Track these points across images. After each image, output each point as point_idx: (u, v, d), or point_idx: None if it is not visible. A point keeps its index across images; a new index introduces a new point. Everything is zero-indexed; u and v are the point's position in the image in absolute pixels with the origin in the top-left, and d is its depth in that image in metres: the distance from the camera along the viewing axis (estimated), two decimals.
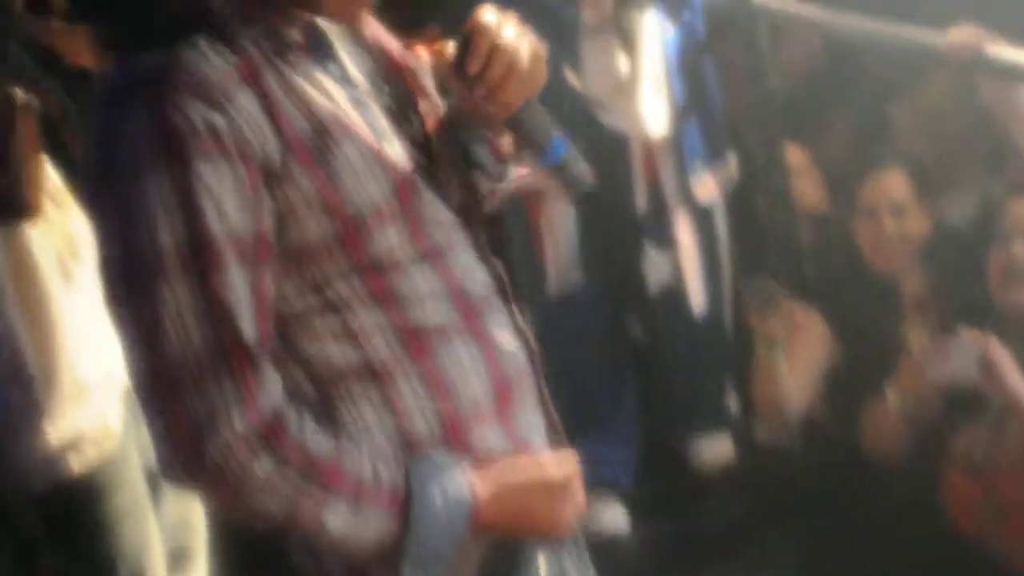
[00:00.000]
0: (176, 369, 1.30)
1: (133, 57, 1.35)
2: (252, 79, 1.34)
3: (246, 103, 1.33)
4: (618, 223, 3.16)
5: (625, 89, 3.08)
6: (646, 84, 3.10)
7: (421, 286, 1.41)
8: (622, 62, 3.09)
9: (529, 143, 1.51)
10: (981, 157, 3.47)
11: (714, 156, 3.21)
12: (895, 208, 3.21)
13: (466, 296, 1.45)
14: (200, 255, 1.30)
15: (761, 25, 3.37)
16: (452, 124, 1.53)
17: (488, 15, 1.46)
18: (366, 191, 1.38)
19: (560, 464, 1.46)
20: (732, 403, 3.36)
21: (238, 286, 1.32)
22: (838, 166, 3.57)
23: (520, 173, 1.60)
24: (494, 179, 1.57)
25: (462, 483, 1.37)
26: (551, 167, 1.51)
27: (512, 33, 1.47)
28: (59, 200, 2.47)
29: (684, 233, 3.16)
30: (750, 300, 3.21)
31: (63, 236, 2.41)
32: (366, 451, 1.36)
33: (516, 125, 1.50)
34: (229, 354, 1.31)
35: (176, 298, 1.30)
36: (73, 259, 2.42)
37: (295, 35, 1.40)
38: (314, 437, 1.33)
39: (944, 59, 2.70)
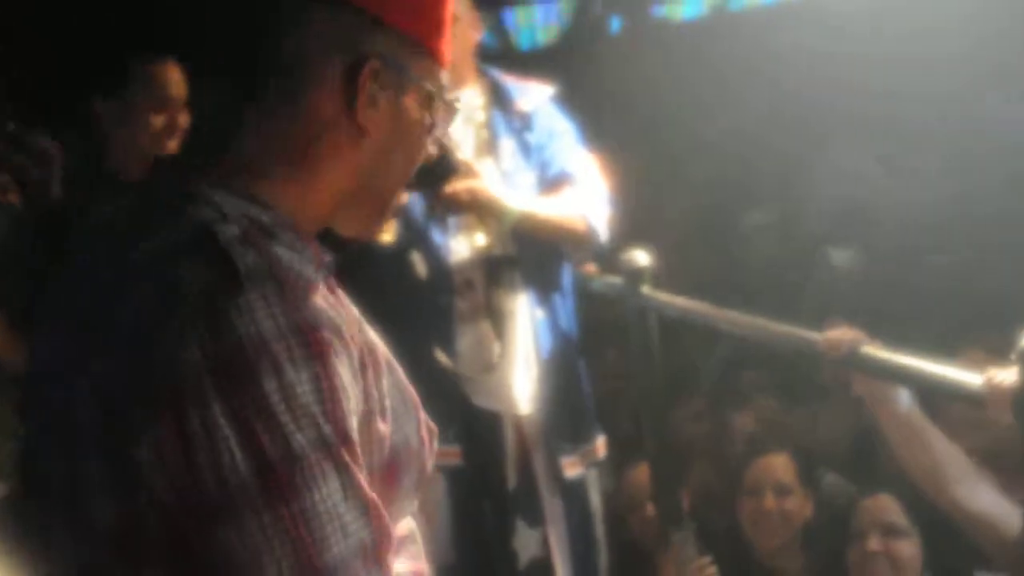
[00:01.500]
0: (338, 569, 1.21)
1: (222, 251, 1.24)
2: (333, 291, 1.34)
3: (340, 310, 1.31)
4: (489, 500, 3.22)
5: (497, 370, 3.19)
6: (517, 366, 3.21)
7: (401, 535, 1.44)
8: (494, 346, 3.20)
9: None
10: (852, 449, 3.73)
11: (583, 437, 3.32)
12: (778, 488, 3.40)
13: (411, 544, 1.49)
14: (342, 449, 1.24)
15: (651, 317, 3.61)
16: None
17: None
18: (406, 423, 1.39)
19: None
20: None
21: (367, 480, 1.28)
22: None
23: None
24: None
25: None
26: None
27: None
28: None
29: (554, 510, 3.23)
30: None
31: None
32: None
33: None
34: (382, 546, 1.27)
35: (331, 498, 1.22)
36: None
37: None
38: None
39: (821, 354, 2.92)
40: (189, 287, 1.22)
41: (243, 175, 1.33)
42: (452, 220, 3.20)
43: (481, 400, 3.22)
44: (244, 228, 1.27)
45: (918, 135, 6.39)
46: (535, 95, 3.30)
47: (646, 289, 3.59)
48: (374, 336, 1.40)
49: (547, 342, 3.25)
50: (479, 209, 3.13)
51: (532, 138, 3.23)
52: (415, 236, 3.15)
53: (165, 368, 1.20)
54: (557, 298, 3.30)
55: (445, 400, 3.09)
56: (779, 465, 3.44)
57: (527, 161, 3.23)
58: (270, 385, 1.20)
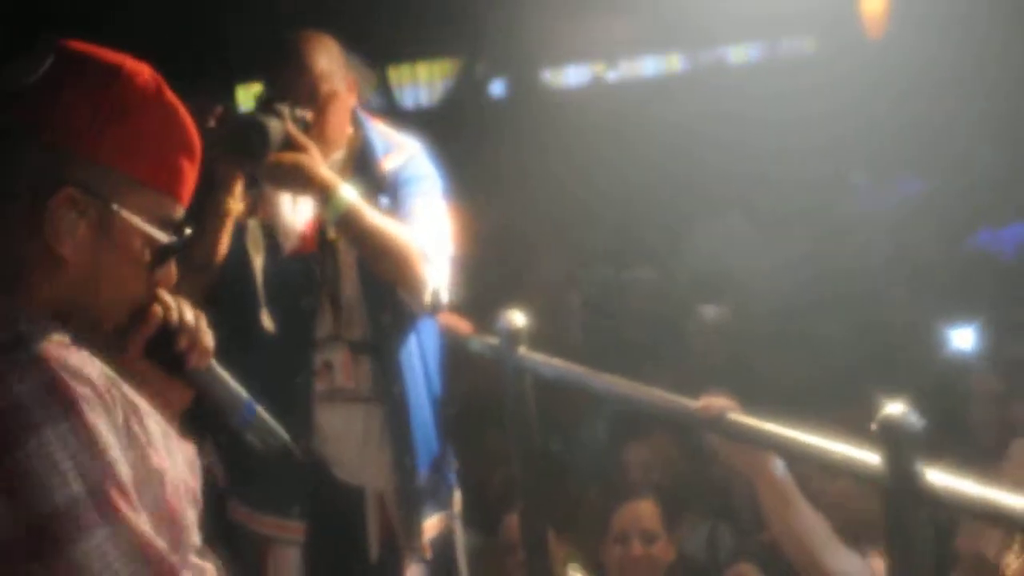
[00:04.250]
0: None
1: None
2: (82, 352, 1.41)
3: (95, 366, 1.39)
4: (347, 570, 3.14)
5: (359, 447, 3.12)
6: (378, 445, 3.14)
7: None
8: (357, 422, 3.13)
9: (224, 406, 1.65)
10: (710, 497, 3.84)
11: (442, 501, 3.25)
12: (645, 535, 3.46)
13: None
14: (111, 494, 1.31)
15: (527, 380, 3.64)
16: None
17: (162, 294, 1.58)
18: (176, 463, 1.46)
19: None
20: None
21: (145, 521, 1.34)
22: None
23: None
24: None
25: None
26: (245, 426, 1.66)
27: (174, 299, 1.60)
28: None
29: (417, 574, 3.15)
30: None
31: None
32: None
33: (209, 390, 1.64)
34: None
35: (99, 546, 1.29)
36: None
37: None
38: None
39: (694, 418, 2.98)
40: None
41: None
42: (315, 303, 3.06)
43: (341, 473, 3.15)
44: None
45: (789, 214, 6.60)
46: (402, 153, 3.16)
47: (523, 350, 3.61)
48: (128, 388, 1.45)
49: (414, 421, 3.18)
50: (302, 184, 2.92)
51: (386, 200, 3.08)
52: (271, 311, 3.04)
53: None
54: (423, 374, 3.20)
55: (291, 475, 3.03)
56: (645, 511, 3.50)
57: None
58: (31, 446, 1.29)
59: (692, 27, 8.31)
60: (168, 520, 1.41)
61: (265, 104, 2.93)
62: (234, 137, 2.85)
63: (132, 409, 1.41)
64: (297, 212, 3.09)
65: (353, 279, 3.09)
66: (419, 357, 3.18)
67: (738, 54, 9.34)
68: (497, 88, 9.07)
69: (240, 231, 3.01)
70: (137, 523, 1.32)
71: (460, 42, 9.03)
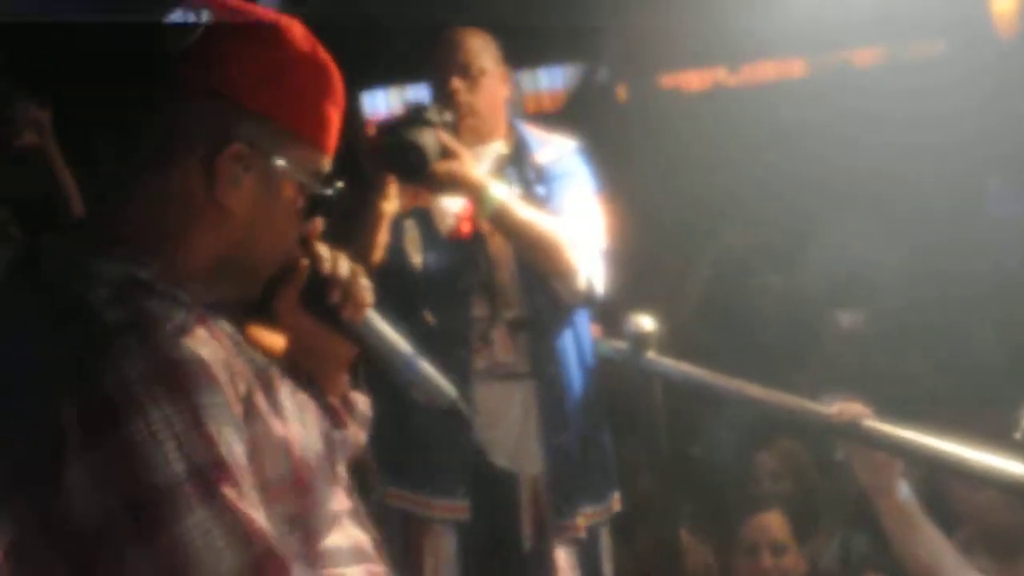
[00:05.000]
0: None
1: (89, 314, 1.38)
2: (207, 328, 1.43)
3: (215, 344, 1.41)
4: (501, 556, 3.21)
5: (515, 432, 3.19)
6: (536, 427, 3.20)
7: (342, 545, 1.52)
8: (514, 401, 3.20)
9: (385, 360, 1.64)
10: (843, 507, 3.77)
11: (600, 493, 3.31)
12: (775, 547, 3.43)
13: (363, 557, 1.55)
14: (215, 475, 1.33)
15: (656, 385, 3.63)
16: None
17: (321, 248, 1.63)
18: (310, 434, 1.49)
19: None
20: None
21: (255, 502, 1.36)
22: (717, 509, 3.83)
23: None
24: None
25: None
26: (408, 382, 1.64)
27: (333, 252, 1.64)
28: None
29: (564, 566, 3.21)
30: None
31: None
32: None
33: (369, 343, 1.63)
34: (266, 568, 1.34)
35: (202, 525, 1.31)
36: None
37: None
38: None
39: (831, 424, 2.95)
40: (63, 353, 1.36)
41: (126, 242, 1.46)
42: (471, 280, 3.18)
43: (498, 459, 3.21)
44: (118, 287, 1.40)
45: (922, 215, 6.48)
46: (554, 148, 3.30)
47: (651, 354, 3.60)
48: (262, 359, 1.49)
49: (568, 400, 3.24)
50: (455, 189, 3.08)
51: (543, 189, 3.22)
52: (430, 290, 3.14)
53: (43, 431, 1.33)
54: (577, 355, 3.27)
55: (455, 455, 3.10)
56: (774, 523, 3.48)
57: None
58: (136, 426, 1.32)
59: (816, 30, 8.19)
60: (296, 489, 1.44)
61: (415, 113, 3.03)
62: (393, 157, 2.98)
63: (261, 380, 1.44)
64: (455, 199, 3.20)
65: (509, 266, 3.20)
66: (574, 341, 3.27)
67: (863, 57, 9.21)
68: (619, 93, 9.05)
69: (399, 227, 3.13)
70: (241, 505, 1.34)
71: (581, 48, 9.02)
